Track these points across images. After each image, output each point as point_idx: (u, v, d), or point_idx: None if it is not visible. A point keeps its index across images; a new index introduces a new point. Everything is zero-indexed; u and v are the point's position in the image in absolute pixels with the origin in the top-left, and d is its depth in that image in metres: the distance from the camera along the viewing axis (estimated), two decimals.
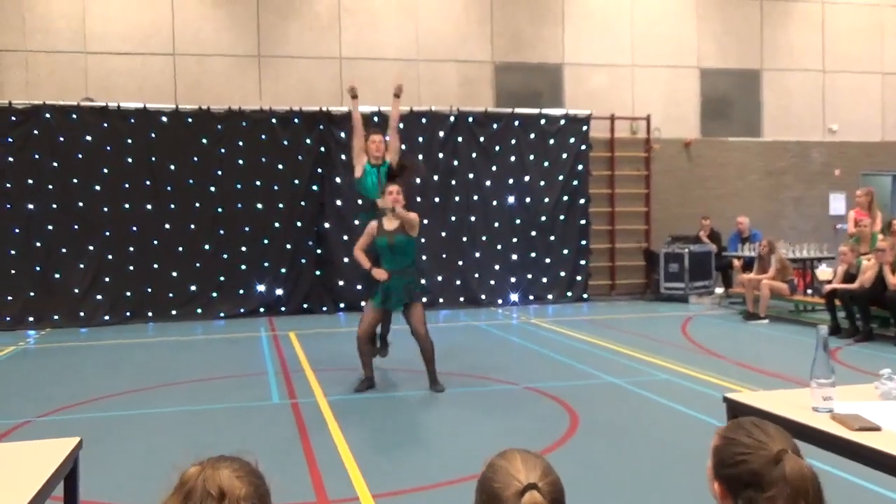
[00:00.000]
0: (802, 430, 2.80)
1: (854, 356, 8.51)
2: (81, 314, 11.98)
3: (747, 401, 3.17)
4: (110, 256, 12.17)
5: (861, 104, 16.14)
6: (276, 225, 12.78)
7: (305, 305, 12.89)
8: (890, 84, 16.27)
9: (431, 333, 7.28)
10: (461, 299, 13.45)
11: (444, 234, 13.49)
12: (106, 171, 12.18)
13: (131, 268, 12.24)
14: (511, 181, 13.75)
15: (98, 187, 12.16)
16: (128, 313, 12.20)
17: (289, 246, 12.80)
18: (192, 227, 12.48)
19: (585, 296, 14.05)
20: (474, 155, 13.65)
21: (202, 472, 1.54)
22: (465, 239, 13.55)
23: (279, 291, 12.79)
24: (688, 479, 4.52)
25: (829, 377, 2.90)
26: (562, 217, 13.96)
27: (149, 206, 12.33)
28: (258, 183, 12.68)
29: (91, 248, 12.11)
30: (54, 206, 12.01)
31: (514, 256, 13.74)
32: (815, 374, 2.92)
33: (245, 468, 1.59)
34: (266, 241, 12.73)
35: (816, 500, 1.67)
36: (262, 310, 12.65)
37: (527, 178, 13.81)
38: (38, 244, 11.95)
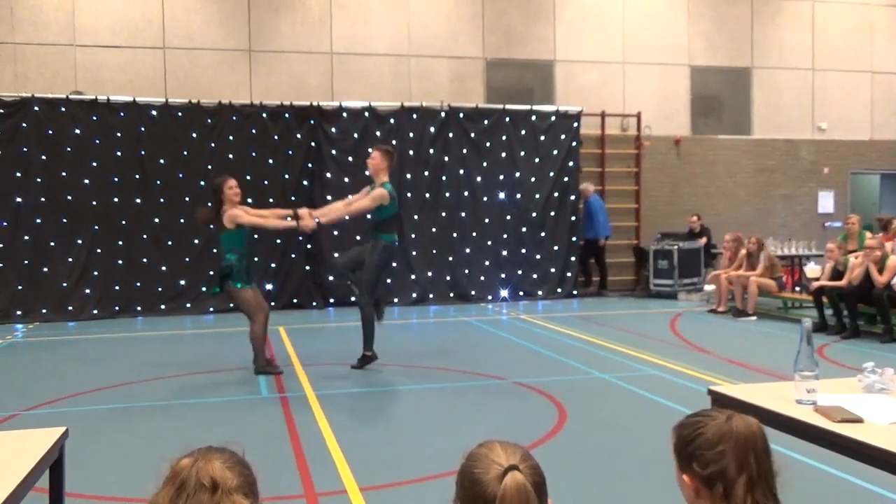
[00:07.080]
0: (786, 421, 2.82)
1: (840, 353, 8.57)
2: (70, 308, 11.93)
3: (731, 393, 3.19)
4: (99, 250, 12.13)
5: (850, 103, 16.22)
6: None
7: (295, 300, 12.88)
8: (879, 83, 16.35)
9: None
10: (451, 295, 13.45)
11: (434, 229, 13.49)
12: (95, 164, 12.13)
13: (120, 262, 12.20)
14: (501, 177, 13.76)
15: (87, 181, 12.11)
16: (116, 307, 12.16)
17: (279, 241, 12.77)
18: (182, 221, 12.43)
19: (575, 292, 14.09)
20: (465, 151, 13.64)
21: (195, 463, 1.56)
22: (455, 235, 13.55)
23: (269, 286, 12.75)
24: (673, 472, 4.54)
25: (813, 370, 2.93)
26: (552, 213, 13.97)
27: (138, 200, 12.29)
28: (248, 178, 12.55)
29: (80, 241, 12.05)
30: (43, 199, 11.95)
31: (505, 252, 13.74)
32: (799, 366, 2.94)
33: (234, 458, 1.62)
34: (256, 236, 12.66)
35: (764, 453, 1.77)
36: None
37: (517, 174, 13.81)
38: (27, 237, 11.90)
